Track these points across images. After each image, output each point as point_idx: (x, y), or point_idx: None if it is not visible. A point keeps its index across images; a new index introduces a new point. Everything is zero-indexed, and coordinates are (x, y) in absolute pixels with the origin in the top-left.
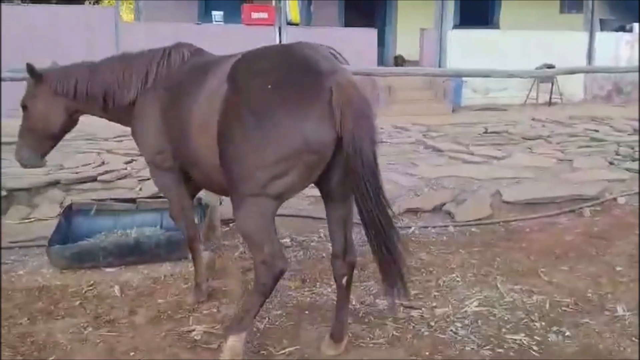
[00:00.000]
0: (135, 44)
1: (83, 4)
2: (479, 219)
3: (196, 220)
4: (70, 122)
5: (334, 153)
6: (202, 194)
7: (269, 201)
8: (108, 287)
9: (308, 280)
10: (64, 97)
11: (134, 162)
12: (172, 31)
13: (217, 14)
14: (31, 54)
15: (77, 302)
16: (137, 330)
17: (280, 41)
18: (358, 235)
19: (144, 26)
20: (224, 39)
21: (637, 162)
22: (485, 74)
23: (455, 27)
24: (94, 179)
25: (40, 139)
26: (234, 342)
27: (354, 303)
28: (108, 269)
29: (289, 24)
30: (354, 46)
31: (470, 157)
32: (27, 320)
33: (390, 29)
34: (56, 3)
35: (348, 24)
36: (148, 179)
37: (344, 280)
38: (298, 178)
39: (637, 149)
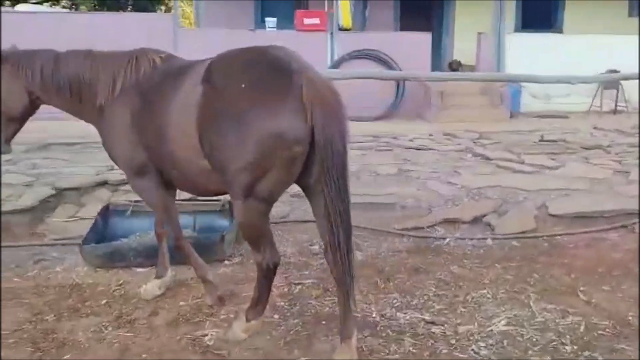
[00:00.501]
0: (192, 49)
1: (155, 11)
2: (521, 232)
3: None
4: (32, 108)
5: (312, 148)
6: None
7: (260, 203)
8: (136, 287)
9: (330, 290)
10: (25, 80)
11: None
12: (227, 37)
13: (270, 21)
14: None
15: (104, 301)
16: (154, 331)
17: (331, 47)
18: (390, 244)
19: (200, 32)
20: (275, 44)
21: None
22: (535, 80)
23: (516, 30)
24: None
25: (2, 123)
26: (253, 323)
27: (373, 315)
28: (139, 269)
29: (341, 29)
30: (406, 51)
31: (520, 166)
32: (54, 317)
33: (448, 32)
34: (131, 10)
35: (404, 27)
36: None
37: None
38: (280, 175)
39: None
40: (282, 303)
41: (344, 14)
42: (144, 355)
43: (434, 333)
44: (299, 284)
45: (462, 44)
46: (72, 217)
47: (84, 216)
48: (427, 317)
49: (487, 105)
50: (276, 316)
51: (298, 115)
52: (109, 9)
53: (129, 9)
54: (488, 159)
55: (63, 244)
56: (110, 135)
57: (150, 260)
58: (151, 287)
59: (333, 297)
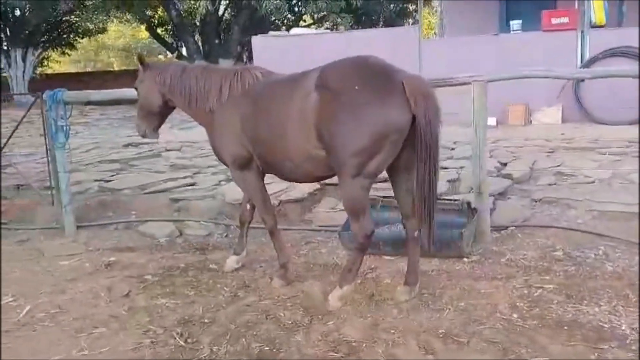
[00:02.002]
0: (434, 57)
1: (403, 24)
2: None
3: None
4: (167, 107)
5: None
6: (472, 198)
7: (365, 180)
8: (384, 272)
9: (574, 297)
10: (159, 86)
11: None
12: (469, 44)
13: (515, 24)
14: None
15: (358, 281)
16: (400, 312)
17: (581, 46)
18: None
19: (442, 42)
20: (520, 46)
21: None
22: None
23: None
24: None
25: (149, 116)
26: (346, 290)
27: (622, 328)
28: (387, 257)
29: (593, 26)
30: None
31: None
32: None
33: None
34: (382, 26)
35: None
36: None
37: (416, 234)
38: (386, 156)
39: None
40: (521, 304)
41: (597, 10)
42: (391, 331)
43: None
44: (539, 287)
45: None
46: (332, 208)
47: (341, 208)
48: None
49: None
50: (515, 315)
51: (403, 106)
52: (363, 27)
53: (380, 25)
54: None
55: (326, 230)
56: (219, 135)
57: (396, 249)
58: (401, 292)
59: (577, 304)
